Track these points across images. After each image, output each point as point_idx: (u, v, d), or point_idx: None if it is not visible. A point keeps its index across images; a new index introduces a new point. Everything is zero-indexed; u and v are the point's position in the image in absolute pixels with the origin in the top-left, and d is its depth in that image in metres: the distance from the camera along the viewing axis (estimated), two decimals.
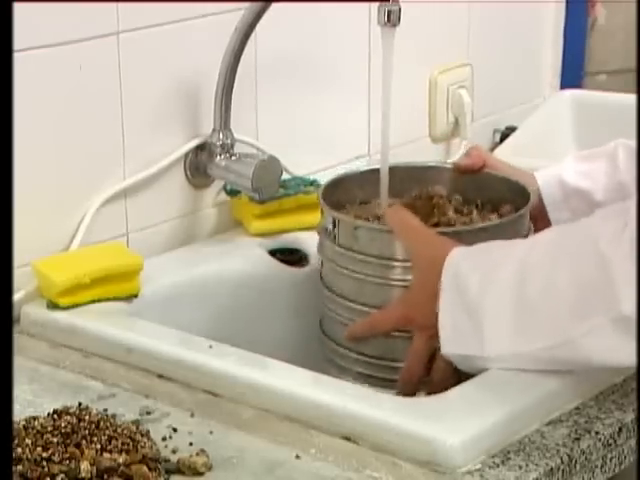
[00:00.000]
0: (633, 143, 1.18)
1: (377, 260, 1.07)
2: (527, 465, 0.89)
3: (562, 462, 0.90)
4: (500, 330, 0.95)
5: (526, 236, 1.10)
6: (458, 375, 1.01)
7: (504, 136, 1.64)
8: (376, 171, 1.16)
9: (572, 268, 0.92)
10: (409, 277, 1.06)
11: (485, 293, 0.96)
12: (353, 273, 1.09)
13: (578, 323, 0.91)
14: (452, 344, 0.98)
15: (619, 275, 0.88)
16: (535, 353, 0.94)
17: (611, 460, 0.94)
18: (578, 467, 0.91)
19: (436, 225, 1.11)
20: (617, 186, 1.17)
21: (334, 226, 1.10)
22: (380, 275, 1.07)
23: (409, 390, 1.05)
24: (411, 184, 1.17)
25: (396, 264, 1.07)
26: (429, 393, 1.02)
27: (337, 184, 1.16)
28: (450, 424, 0.91)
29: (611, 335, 0.89)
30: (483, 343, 0.96)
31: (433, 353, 1.02)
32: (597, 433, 0.93)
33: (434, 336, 1.00)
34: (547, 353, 0.94)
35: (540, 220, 1.17)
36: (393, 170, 1.16)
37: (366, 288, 1.08)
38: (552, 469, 0.89)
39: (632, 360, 0.90)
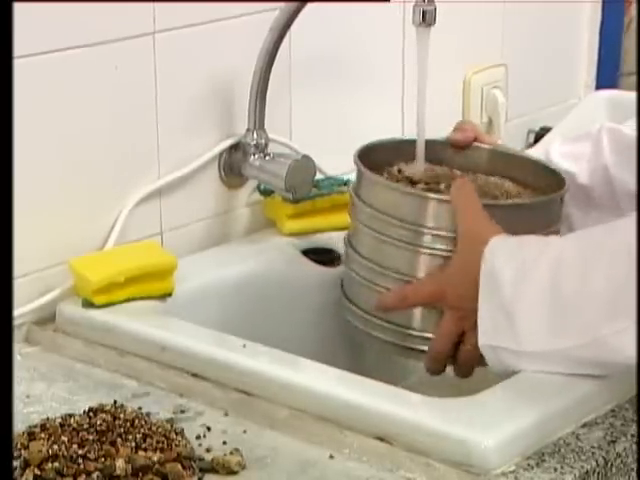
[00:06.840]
0: (617, 126, 1.18)
1: (399, 222, 1.06)
2: (562, 467, 0.88)
3: (597, 465, 0.89)
4: (533, 326, 0.95)
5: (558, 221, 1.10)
6: (483, 362, 1.01)
7: (538, 137, 1.63)
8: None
9: (606, 269, 0.92)
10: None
11: (520, 289, 0.96)
12: (373, 232, 1.08)
13: (609, 322, 0.91)
14: (488, 336, 0.98)
15: None
16: (566, 352, 0.94)
17: None
18: (614, 470, 0.91)
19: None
20: (601, 169, 1.17)
21: (359, 182, 1.11)
22: (400, 239, 1.06)
23: (436, 368, 1.05)
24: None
25: (409, 227, 1.05)
26: (456, 374, 1.04)
27: (373, 149, 1.15)
28: (485, 425, 0.90)
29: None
30: (517, 338, 0.96)
31: (461, 334, 1.02)
32: (633, 436, 0.93)
33: (464, 317, 1.00)
34: (577, 352, 0.94)
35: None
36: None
37: (387, 250, 1.07)
38: (587, 472, 0.88)
39: None
